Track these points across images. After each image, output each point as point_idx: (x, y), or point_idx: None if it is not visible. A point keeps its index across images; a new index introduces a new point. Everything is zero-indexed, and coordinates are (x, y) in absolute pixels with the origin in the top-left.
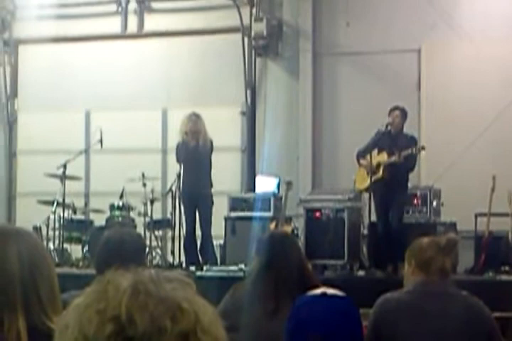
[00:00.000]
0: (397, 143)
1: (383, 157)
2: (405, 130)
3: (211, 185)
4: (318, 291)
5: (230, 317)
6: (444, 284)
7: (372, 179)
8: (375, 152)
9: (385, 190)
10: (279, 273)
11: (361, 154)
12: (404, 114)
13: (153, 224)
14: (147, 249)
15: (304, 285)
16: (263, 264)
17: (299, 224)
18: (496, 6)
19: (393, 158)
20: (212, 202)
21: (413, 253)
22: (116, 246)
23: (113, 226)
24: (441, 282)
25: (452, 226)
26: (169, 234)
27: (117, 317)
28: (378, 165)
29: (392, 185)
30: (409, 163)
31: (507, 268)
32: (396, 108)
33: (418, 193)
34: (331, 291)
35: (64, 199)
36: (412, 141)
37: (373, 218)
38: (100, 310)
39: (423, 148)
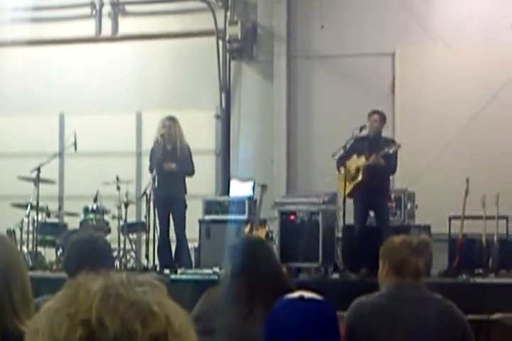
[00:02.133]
0: (376, 147)
1: (362, 161)
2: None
3: (185, 190)
4: (295, 295)
5: (205, 321)
6: (418, 287)
7: (353, 183)
8: (354, 157)
9: (366, 193)
10: (252, 277)
11: (341, 161)
12: (382, 118)
13: (128, 228)
14: (121, 252)
15: (279, 289)
16: (237, 269)
17: (274, 227)
18: (470, 12)
19: (371, 160)
20: (186, 206)
21: (386, 254)
22: (85, 248)
23: (86, 230)
24: (416, 285)
25: (426, 229)
26: (143, 237)
27: (88, 320)
28: (358, 169)
29: (373, 188)
30: (390, 165)
31: (481, 270)
32: (375, 112)
33: (392, 196)
34: (308, 295)
35: (38, 203)
36: (391, 144)
37: (348, 221)
38: (71, 313)
39: (399, 146)
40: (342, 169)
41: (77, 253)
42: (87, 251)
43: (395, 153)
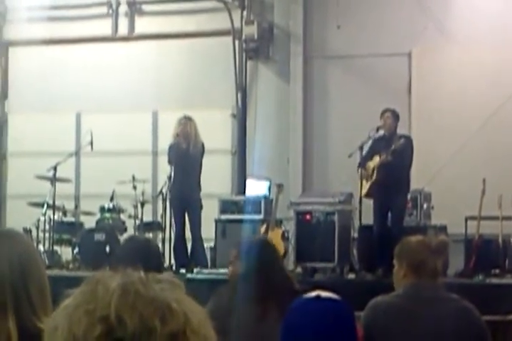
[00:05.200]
0: (391, 145)
1: (376, 160)
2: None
3: (200, 189)
4: (312, 294)
5: (215, 321)
6: (435, 287)
7: (369, 183)
8: (374, 157)
9: (383, 192)
10: (263, 278)
11: (361, 164)
12: (395, 115)
13: (144, 227)
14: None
15: (289, 290)
16: (246, 270)
17: (290, 227)
18: (485, 12)
19: (382, 158)
20: (201, 206)
21: (404, 255)
22: (138, 248)
23: (104, 229)
24: (433, 285)
25: (443, 229)
26: (159, 236)
27: (106, 317)
28: (373, 169)
29: (390, 187)
30: (401, 160)
31: (497, 271)
32: (387, 110)
33: (409, 196)
34: (325, 294)
35: (54, 202)
36: (406, 140)
37: (366, 221)
38: (89, 310)
39: (400, 143)
40: (361, 170)
41: (130, 254)
42: (141, 252)
43: (407, 147)
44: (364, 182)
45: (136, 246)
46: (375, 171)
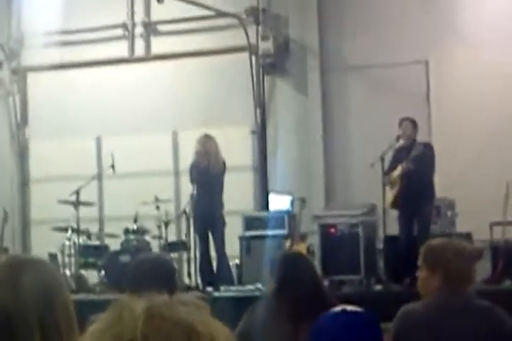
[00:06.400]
0: (411, 153)
1: (399, 170)
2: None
3: (222, 206)
4: (338, 309)
5: (250, 338)
6: (469, 295)
7: (394, 193)
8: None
9: (408, 201)
10: (295, 293)
11: (386, 174)
12: (413, 124)
13: (169, 247)
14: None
15: (322, 305)
16: (279, 285)
17: (314, 241)
18: (502, 14)
19: (403, 167)
20: (225, 223)
21: (438, 262)
22: (151, 268)
23: (130, 251)
24: (466, 293)
25: (468, 236)
26: (185, 255)
27: None
28: (396, 179)
29: (414, 196)
30: (423, 167)
31: None
32: (405, 119)
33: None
34: (350, 308)
35: (78, 226)
36: (426, 147)
37: (389, 231)
38: (116, 334)
39: (424, 144)
40: (385, 179)
41: (142, 273)
42: (153, 271)
43: (427, 153)
44: (388, 192)
45: (148, 266)
46: (399, 180)
